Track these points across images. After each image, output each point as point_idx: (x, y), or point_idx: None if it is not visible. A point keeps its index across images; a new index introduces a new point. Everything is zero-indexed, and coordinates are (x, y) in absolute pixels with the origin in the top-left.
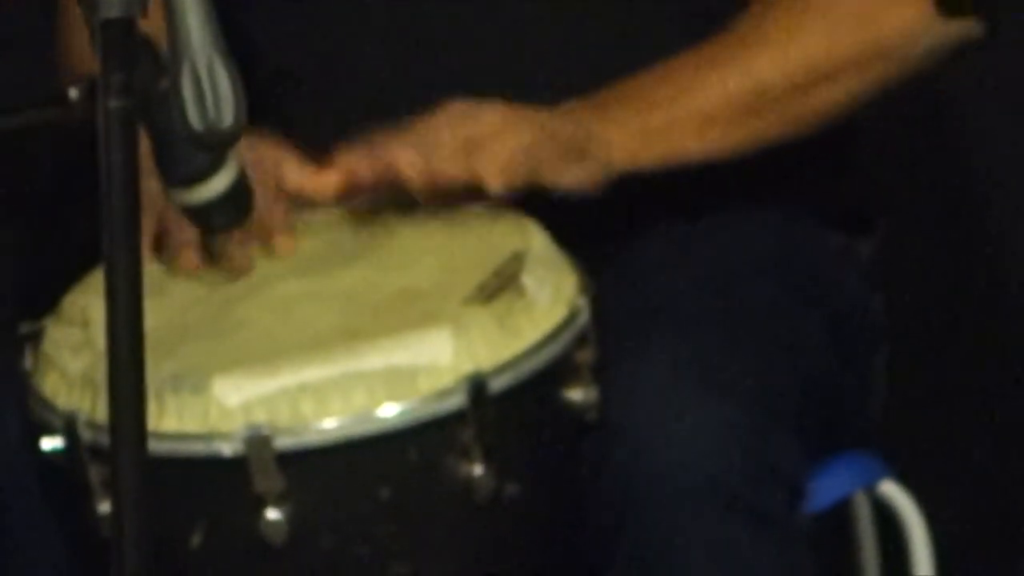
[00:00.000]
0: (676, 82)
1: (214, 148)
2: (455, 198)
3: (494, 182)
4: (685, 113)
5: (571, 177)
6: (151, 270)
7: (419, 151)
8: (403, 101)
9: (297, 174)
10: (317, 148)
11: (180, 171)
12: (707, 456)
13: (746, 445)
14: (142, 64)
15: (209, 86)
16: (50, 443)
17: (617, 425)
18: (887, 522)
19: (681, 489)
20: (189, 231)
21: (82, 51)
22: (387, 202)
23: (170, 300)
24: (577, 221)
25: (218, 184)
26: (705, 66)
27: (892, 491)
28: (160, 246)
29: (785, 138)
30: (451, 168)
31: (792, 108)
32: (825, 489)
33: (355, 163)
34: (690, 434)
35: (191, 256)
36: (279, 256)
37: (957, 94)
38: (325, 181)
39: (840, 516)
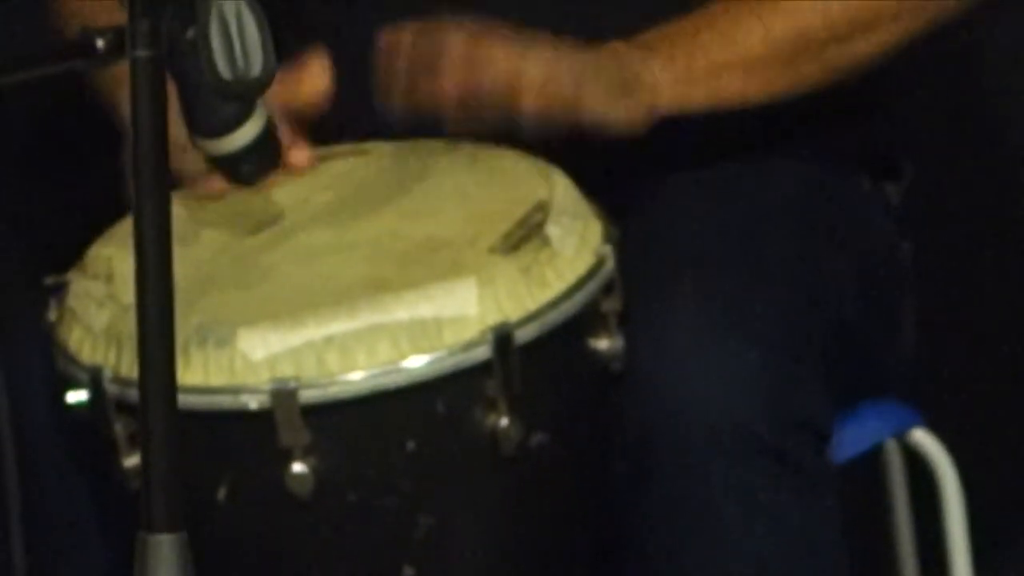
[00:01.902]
0: (720, 27)
1: (242, 97)
2: (484, 120)
3: (531, 101)
4: (729, 57)
5: (614, 114)
6: (175, 218)
7: (466, 47)
8: None
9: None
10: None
11: (208, 121)
12: (733, 402)
13: (772, 391)
14: (169, 13)
15: (237, 35)
16: (75, 396)
17: (642, 372)
18: (918, 470)
19: (706, 435)
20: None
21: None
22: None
23: (194, 249)
24: (602, 167)
25: (246, 134)
26: (749, 13)
27: (924, 439)
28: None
29: (824, 85)
30: (492, 76)
31: (833, 56)
32: (856, 437)
33: (399, 39)
34: (715, 380)
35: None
36: (297, 172)
37: (986, 39)
38: (299, 157)
39: (871, 464)
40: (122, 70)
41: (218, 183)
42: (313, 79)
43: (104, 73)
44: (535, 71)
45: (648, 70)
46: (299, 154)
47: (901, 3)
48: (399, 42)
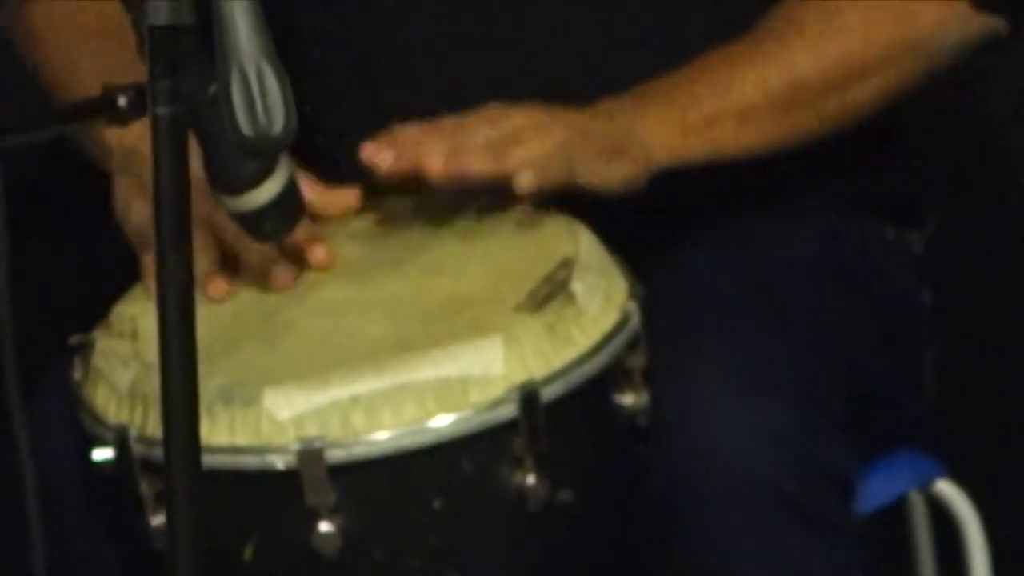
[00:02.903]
0: (714, 78)
1: (264, 154)
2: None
3: (523, 181)
4: (724, 109)
5: (608, 175)
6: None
7: (447, 145)
8: (437, 98)
9: (310, 190)
10: (345, 145)
11: (230, 178)
12: (756, 457)
13: (795, 445)
14: (190, 71)
15: (259, 92)
16: (101, 455)
17: (666, 427)
18: (943, 521)
19: (730, 490)
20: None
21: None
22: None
23: (218, 307)
24: (624, 223)
25: (268, 190)
26: (743, 62)
27: (948, 491)
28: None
29: (820, 134)
30: (479, 164)
31: (828, 104)
32: (880, 488)
33: (380, 152)
34: (739, 434)
35: (219, 285)
36: (319, 269)
37: (1004, 90)
38: (339, 198)
39: (896, 516)
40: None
41: (221, 286)
42: (342, 196)
43: (84, 135)
44: (525, 124)
45: (641, 125)
46: (319, 253)
47: (894, 50)
48: (378, 159)
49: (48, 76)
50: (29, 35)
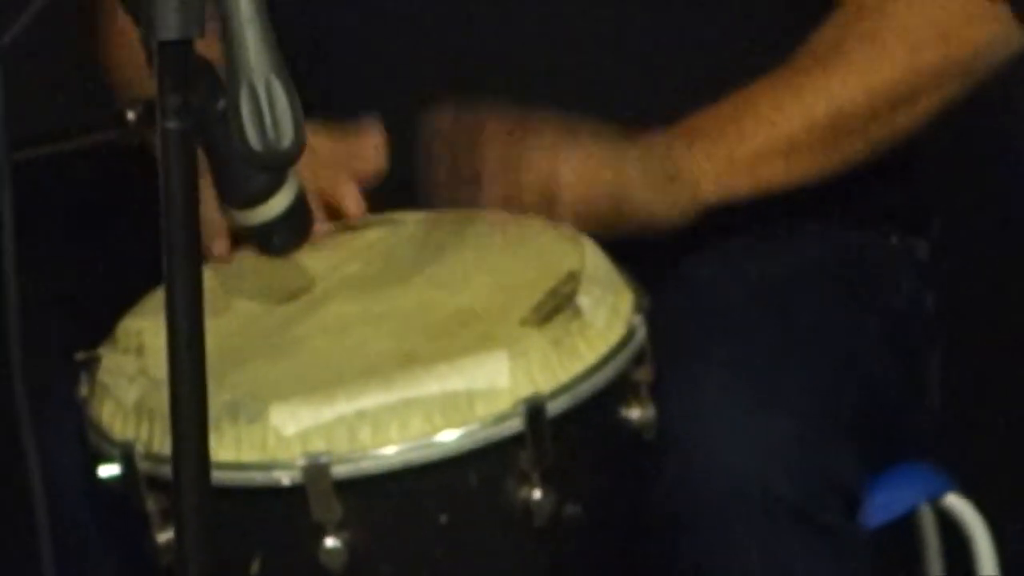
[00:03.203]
0: (762, 112)
1: (273, 168)
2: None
3: (569, 204)
4: (771, 144)
5: (658, 210)
6: (205, 288)
7: (502, 187)
8: (447, 85)
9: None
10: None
11: (239, 192)
12: (763, 468)
13: (802, 457)
14: (199, 85)
15: (267, 106)
16: (107, 471)
17: (673, 440)
18: (952, 535)
19: (737, 503)
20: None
21: (129, 62)
22: None
23: (224, 320)
24: (632, 235)
25: (278, 204)
26: (789, 95)
27: (957, 504)
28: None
29: (867, 158)
30: (530, 181)
31: (875, 131)
32: (890, 502)
33: (439, 136)
34: (746, 447)
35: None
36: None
37: (1010, 97)
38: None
39: (905, 529)
40: None
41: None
42: (368, 157)
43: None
44: (571, 176)
45: (690, 162)
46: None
47: (938, 73)
48: (438, 141)
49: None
50: (107, 55)
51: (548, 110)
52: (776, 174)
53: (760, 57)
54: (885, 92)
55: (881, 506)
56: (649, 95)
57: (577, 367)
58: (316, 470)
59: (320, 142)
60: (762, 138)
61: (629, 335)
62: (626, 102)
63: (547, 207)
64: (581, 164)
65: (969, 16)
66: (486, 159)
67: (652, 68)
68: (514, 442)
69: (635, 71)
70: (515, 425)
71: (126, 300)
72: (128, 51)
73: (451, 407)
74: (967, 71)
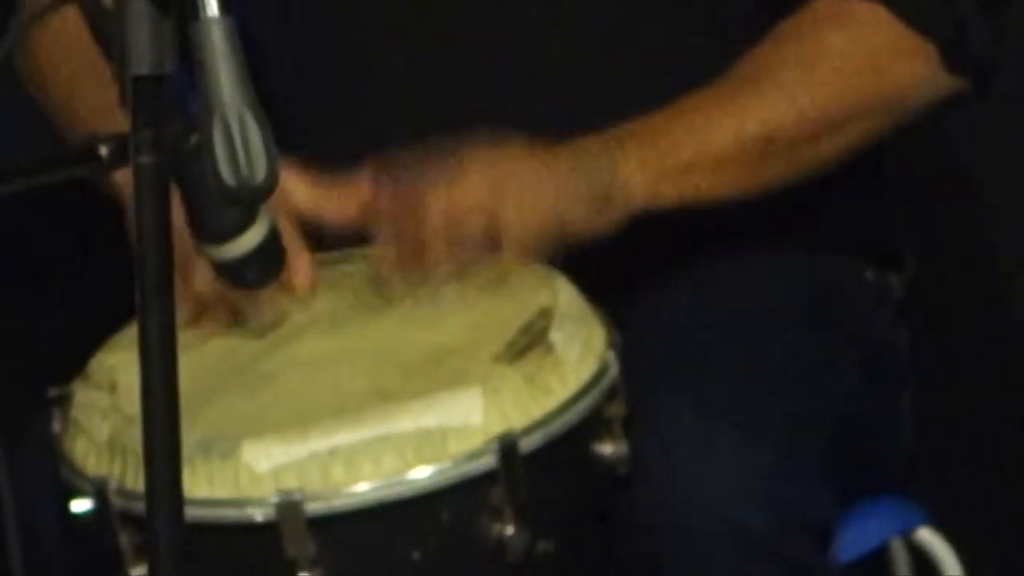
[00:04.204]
0: (693, 125)
1: (246, 203)
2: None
3: (514, 243)
4: (701, 156)
5: (594, 224)
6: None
7: (443, 237)
8: (427, 122)
9: (311, 196)
10: (336, 168)
11: (212, 227)
12: (736, 505)
13: (775, 492)
14: (172, 120)
15: (241, 141)
16: (80, 506)
17: (646, 475)
18: (925, 569)
19: (710, 537)
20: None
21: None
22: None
23: (197, 357)
24: (603, 269)
25: (250, 239)
26: (721, 111)
27: (929, 538)
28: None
29: (790, 183)
30: (473, 232)
31: (800, 155)
32: (862, 535)
33: (380, 194)
34: (718, 483)
35: (214, 324)
36: (298, 294)
37: (982, 133)
38: (342, 206)
39: (877, 563)
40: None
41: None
42: (345, 203)
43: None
44: (513, 214)
45: (621, 169)
46: (302, 274)
47: (867, 103)
48: (377, 208)
49: (50, 110)
50: (35, 68)
51: (476, 129)
52: (702, 187)
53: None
54: (814, 117)
55: (853, 540)
56: (612, 104)
57: (550, 403)
58: (289, 507)
59: (295, 186)
60: (693, 150)
61: (602, 371)
62: (588, 104)
63: (493, 246)
64: (519, 200)
65: (900, 51)
66: (428, 228)
67: (612, 99)
68: (487, 479)
69: (593, 99)
70: (488, 462)
71: (99, 335)
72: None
73: (424, 444)
74: (895, 105)
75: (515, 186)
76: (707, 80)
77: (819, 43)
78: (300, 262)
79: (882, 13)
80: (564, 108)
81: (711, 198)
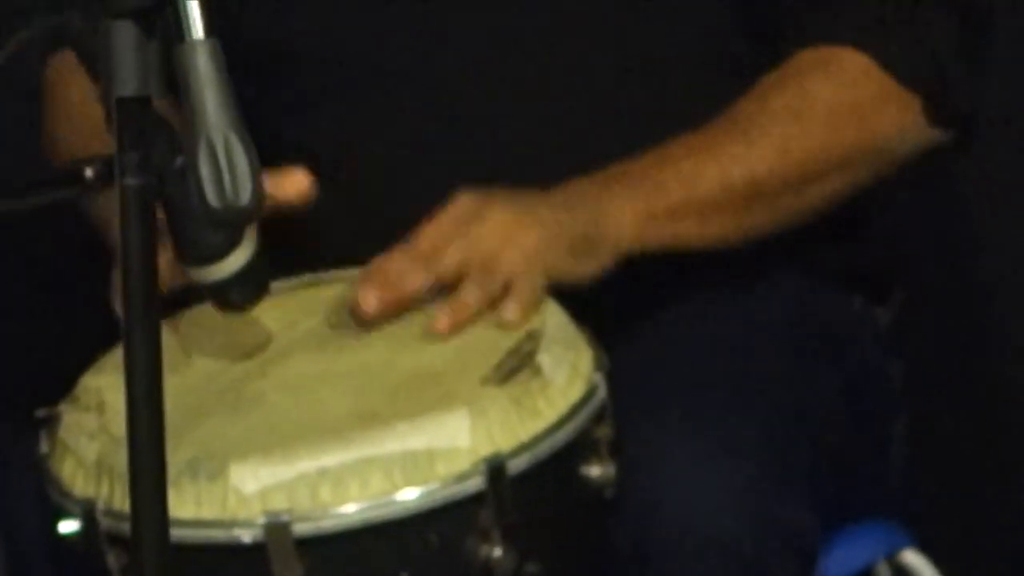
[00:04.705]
0: (680, 170)
1: (232, 226)
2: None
3: (509, 313)
4: (688, 202)
5: (580, 271)
6: (165, 346)
7: (423, 274)
8: (422, 171)
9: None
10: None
11: (197, 249)
12: (722, 527)
13: (761, 515)
14: (157, 142)
15: (226, 163)
16: (68, 527)
17: (633, 497)
18: None
19: (696, 559)
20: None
21: (68, 138)
22: None
23: (184, 377)
24: (591, 293)
25: (236, 261)
26: (708, 157)
27: (915, 560)
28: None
29: (775, 228)
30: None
31: (786, 202)
32: (847, 558)
33: (368, 296)
34: (705, 505)
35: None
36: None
37: (971, 166)
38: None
39: None
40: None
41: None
42: (295, 182)
43: (95, 200)
44: (516, 255)
45: (609, 213)
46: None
47: (854, 154)
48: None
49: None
50: (49, 100)
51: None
52: (689, 232)
53: (713, 92)
54: (799, 166)
55: (840, 561)
56: (606, 144)
57: (538, 426)
58: (277, 528)
59: None
60: (680, 196)
61: (589, 393)
62: (583, 143)
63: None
64: (508, 232)
65: (885, 101)
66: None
67: (609, 119)
68: (475, 501)
69: (589, 113)
70: (476, 484)
71: (87, 357)
72: (75, 124)
73: (412, 466)
74: (879, 155)
75: (499, 233)
76: (697, 123)
77: (805, 93)
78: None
79: (867, 63)
80: (560, 150)
81: (696, 244)
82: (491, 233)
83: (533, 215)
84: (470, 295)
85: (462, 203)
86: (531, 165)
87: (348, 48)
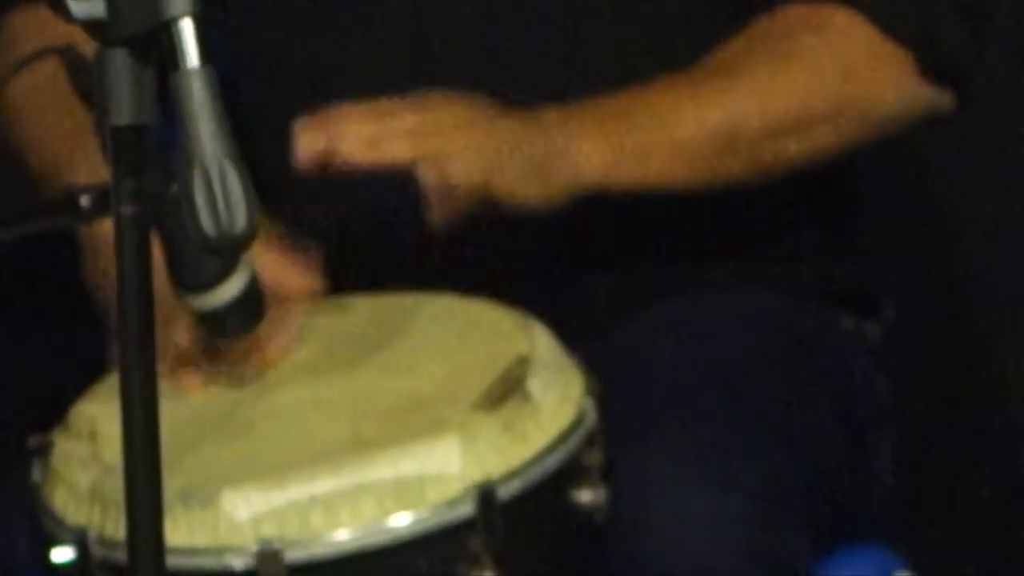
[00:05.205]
0: (655, 108)
1: (227, 253)
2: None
3: (436, 170)
4: (660, 140)
5: (528, 193)
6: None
7: (370, 130)
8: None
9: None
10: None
11: (192, 277)
12: (714, 552)
13: (753, 540)
14: (152, 170)
15: (221, 191)
16: (61, 555)
17: (624, 523)
18: None
19: None
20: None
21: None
22: None
23: (177, 405)
24: (582, 317)
25: (231, 289)
26: (685, 98)
27: None
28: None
29: (750, 181)
30: (397, 150)
31: (763, 153)
32: None
33: (308, 135)
34: (696, 530)
35: (194, 377)
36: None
37: (960, 182)
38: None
39: None
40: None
41: (193, 378)
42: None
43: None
44: (439, 152)
45: (575, 145)
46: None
47: (837, 108)
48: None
49: (20, 142)
50: (11, 109)
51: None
52: (659, 172)
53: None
54: (781, 115)
55: None
56: None
57: (528, 451)
58: (269, 555)
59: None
60: (652, 133)
61: (579, 419)
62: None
63: (415, 147)
64: (465, 116)
65: (876, 57)
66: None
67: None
68: (465, 527)
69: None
70: (466, 510)
71: (79, 385)
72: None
73: (402, 492)
74: (867, 113)
75: (456, 119)
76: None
77: (793, 44)
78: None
79: (857, 20)
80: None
81: (666, 186)
82: (444, 113)
83: (496, 119)
84: (397, 146)
85: (432, 95)
86: None
87: (343, 56)
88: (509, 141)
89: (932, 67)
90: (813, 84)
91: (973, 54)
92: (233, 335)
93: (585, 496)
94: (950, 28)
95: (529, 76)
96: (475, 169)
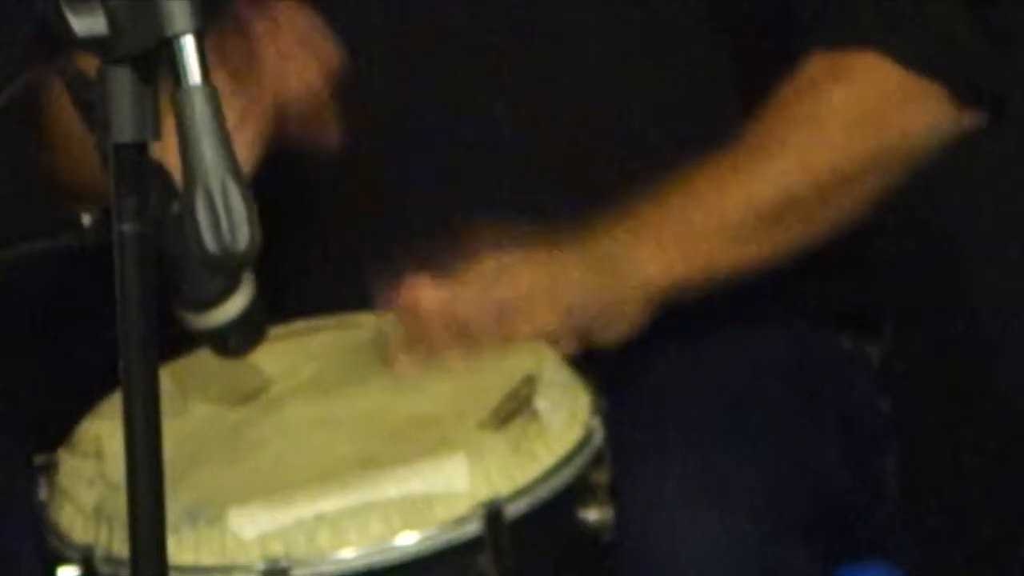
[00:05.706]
0: (705, 199)
1: (229, 271)
2: None
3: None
4: (718, 231)
5: (617, 328)
6: (163, 391)
7: (457, 328)
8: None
9: None
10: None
11: (195, 295)
12: (717, 570)
13: (759, 558)
14: (154, 188)
15: (223, 209)
16: (67, 573)
17: (631, 541)
18: None
19: None
20: None
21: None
22: None
23: (182, 422)
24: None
25: (233, 307)
26: (731, 179)
27: None
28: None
29: (811, 242)
30: (487, 339)
31: (817, 213)
32: None
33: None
34: (703, 549)
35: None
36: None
37: (963, 202)
38: None
39: None
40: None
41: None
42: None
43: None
44: (526, 329)
45: (638, 262)
46: None
47: (876, 155)
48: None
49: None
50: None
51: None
52: (724, 261)
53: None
54: (826, 174)
55: None
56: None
57: (535, 470)
58: (276, 574)
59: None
60: (709, 224)
61: (587, 437)
62: (598, 162)
63: (501, 332)
64: (539, 287)
65: (907, 95)
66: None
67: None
68: (473, 545)
69: (599, 139)
70: (474, 528)
71: (85, 403)
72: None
73: (410, 510)
74: (907, 151)
75: (532, 293)
76: (701, 137)
77: (823, 100)
78: None
79: (882, 61)
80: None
81: (735, 270)
82: (517, 290)
83: (562, 276)
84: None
85: (487, 263)
86: (549, 182)
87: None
88: (585, 296)
89: (964, 94)
90: (852, 138)
91: (1000, 69)
92: (235, 353)
93: (592, 514)
94: (975, 49)
95: (567, 69)
96: (566, 339)
